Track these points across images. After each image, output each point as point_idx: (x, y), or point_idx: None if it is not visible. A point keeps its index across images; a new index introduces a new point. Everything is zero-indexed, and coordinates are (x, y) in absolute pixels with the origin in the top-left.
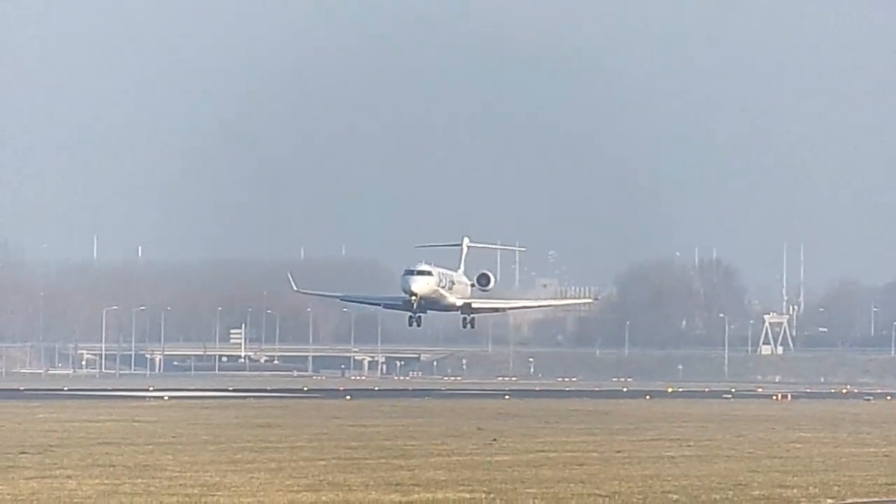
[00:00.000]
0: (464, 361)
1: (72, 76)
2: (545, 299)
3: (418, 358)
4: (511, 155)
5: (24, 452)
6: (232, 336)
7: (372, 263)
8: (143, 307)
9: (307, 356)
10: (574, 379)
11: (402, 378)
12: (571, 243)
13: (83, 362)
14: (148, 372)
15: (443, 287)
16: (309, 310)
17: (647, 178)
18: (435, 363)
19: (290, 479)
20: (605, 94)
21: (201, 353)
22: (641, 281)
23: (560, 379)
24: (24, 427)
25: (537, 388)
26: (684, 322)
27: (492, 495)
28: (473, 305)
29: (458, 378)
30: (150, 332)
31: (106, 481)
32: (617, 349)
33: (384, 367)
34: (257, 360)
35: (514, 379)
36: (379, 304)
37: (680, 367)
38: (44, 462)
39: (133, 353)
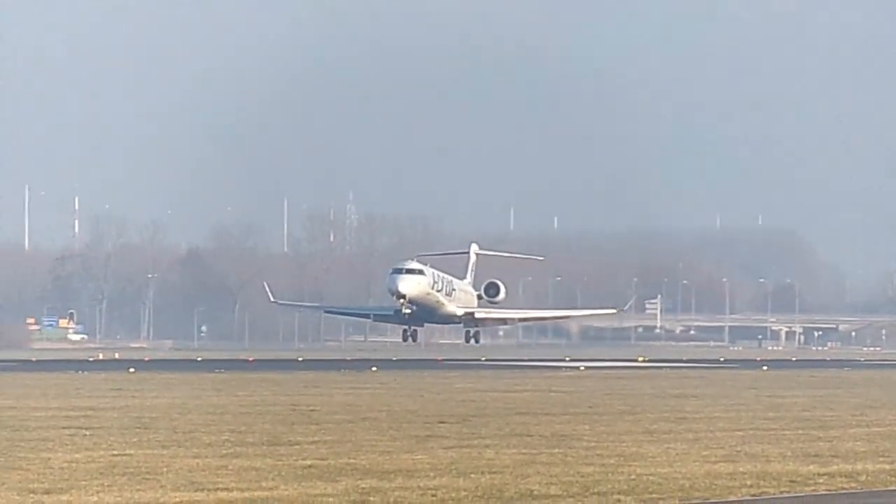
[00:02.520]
0: (883, 332)
1: None
2: (561, 309)
3: (836, 328)
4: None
5: (442, 422)
6: (648, 306)
7: (790, 234)
8: (559, 277)
9: (723, 326)
10: None
11: (819, 349)
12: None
13: (500, 333)
14: (564, 342)
15: (439, 291)
16: (725, 280)
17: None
18: (853, 334)
19: (706, 449)
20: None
21: (617, 323)
22: None
23: None
24: (444, 397)
25: None
26: None
27: None
28: (476, 315)
29: (878, 349)
30: (567, 303)
31: (523, 451)
32: None
33: (801, 337)
34: (673, 331)
35: None
36: (367, 316)
37: None
38: (462, 432)
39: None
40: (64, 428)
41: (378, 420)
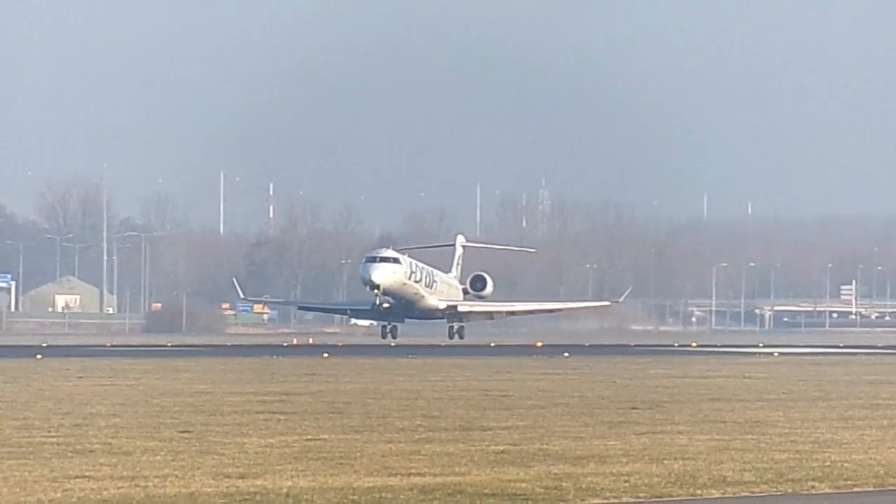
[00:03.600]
0: None
1: None
2: (556, 301)
3: None
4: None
5: (635, 408)
6: (842, 292)
7: None
8: (752, 263)
9: None
10: None
11: None
12: None
13: (693, 319)
14: (757, 328)
15: (418, 282)
16: None
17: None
18: None
19: None
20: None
21: (811, 308)
22: None
23: None
24: (636, 383)
25: None
26: None
27: None
28: (459, 309)
29: None
30: (760, 289)
31: (716, 437)
32: None
33: None
34: (868, 317)
35: None
36: (344, 312)
37: None
38: (654, 418)
39: (743, 309)
40: (258, 413)
41: (570, 406)
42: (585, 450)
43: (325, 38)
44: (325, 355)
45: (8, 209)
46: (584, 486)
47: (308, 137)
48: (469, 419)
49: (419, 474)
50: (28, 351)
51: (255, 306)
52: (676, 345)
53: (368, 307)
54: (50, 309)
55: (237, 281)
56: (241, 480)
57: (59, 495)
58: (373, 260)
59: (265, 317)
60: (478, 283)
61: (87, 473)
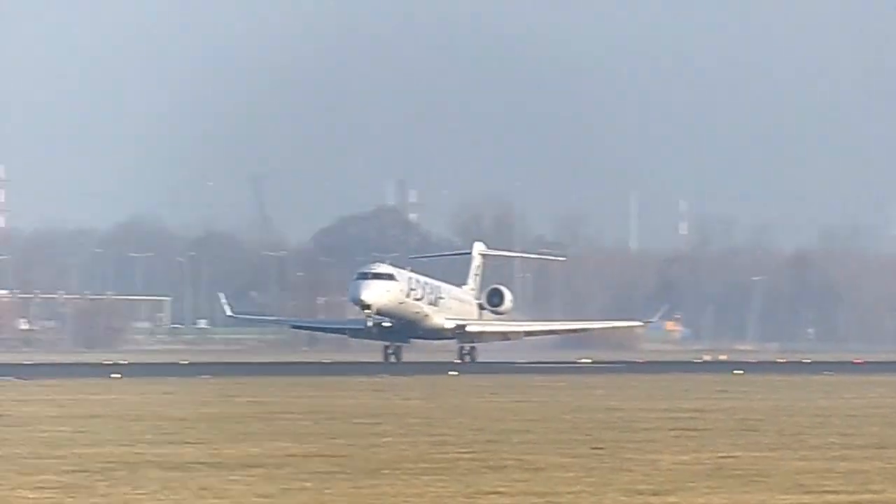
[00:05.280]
0: None
1: None
2: (580, 321)
3: None
4: None
5: None
6: None
7: None
8: None
9: None
10: None
11: None
12: None
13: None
14: None
15: (419, 300)
16: None
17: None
18: None
19: None
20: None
21: None
22: None
23: None
24: None
25: None
26: None
27: None
28: (468, 329)
29: None
30: None
31: None
32: None
33: None
34: None
35: None
36: (342, 332)
37: None
38: None
39: None
40: (671, 429)
41: None
42: None
43: None
44: (737, 372)
45: (423, 228)
46: None
47: (723, 152)
48: (885, 437)
49: (833, 492)
50: (442, 368)
51: (667, 323)
52: None
53: (364, 326)
54: None
55: (223, 296)
56: (653, 497)
57: None
58: (364, 277)
59: (677, 334)
60: (494, 298)
61: (500, 489)
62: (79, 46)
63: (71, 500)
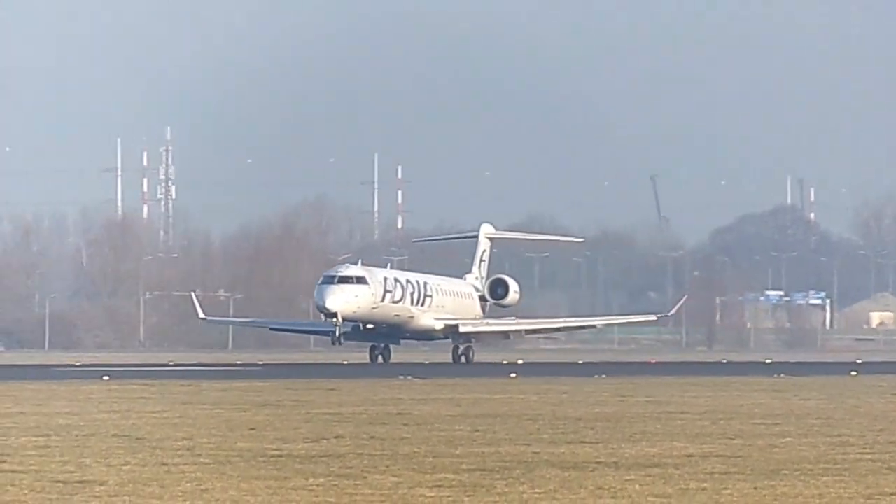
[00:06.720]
0: None
1: None
2: (588, 316)
3: None
4: None
5: None
6: None
7: None
8: None
9: None
10: None
11: None
12: None
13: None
14: None
15: (398, 301)
16: None
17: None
18: None
19: None
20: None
21: None
22: None
23: None
24: None
25: None
26: None
27: None
28: (461, 329)
29: None
30: None
31: None
32: None
33: None
34: None
35: None
36: (325, 334)
37: None
38: None
39: None
40: None
41: None
42: None
43: None
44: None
45: (822, 226)
46: None
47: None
48: None
49: None
50: (842, 368)
51: None
52: None
53: (348, 328)
54: (864, 325)
55: (195, 296)
56: None
57: None
58: (329, 281)
59: None
60: (499, 290)
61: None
62: None
63: (469, 498)
